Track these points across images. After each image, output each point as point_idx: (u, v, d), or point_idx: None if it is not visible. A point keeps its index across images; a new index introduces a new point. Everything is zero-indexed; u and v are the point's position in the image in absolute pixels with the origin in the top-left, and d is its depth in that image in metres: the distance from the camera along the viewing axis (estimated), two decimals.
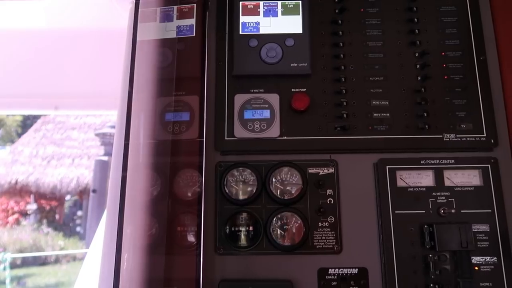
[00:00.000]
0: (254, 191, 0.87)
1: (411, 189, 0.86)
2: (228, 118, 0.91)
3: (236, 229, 0.86)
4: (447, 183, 0.86)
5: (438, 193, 0.86)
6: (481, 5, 0.95)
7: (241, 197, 0.87)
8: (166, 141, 0.89)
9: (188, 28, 0.98)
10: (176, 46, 0.97)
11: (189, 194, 0.89)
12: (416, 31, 0.94)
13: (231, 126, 0.91)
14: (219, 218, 0.86)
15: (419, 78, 0.92)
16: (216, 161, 0.90)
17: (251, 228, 0.86)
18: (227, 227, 0.85)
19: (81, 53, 1.35)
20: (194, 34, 0.97)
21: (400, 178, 0.87)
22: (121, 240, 0.79)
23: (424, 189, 0.86)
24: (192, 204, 0.89)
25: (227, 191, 0.87)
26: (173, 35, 0.98)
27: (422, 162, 0.88)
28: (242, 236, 0.85)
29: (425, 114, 0.89)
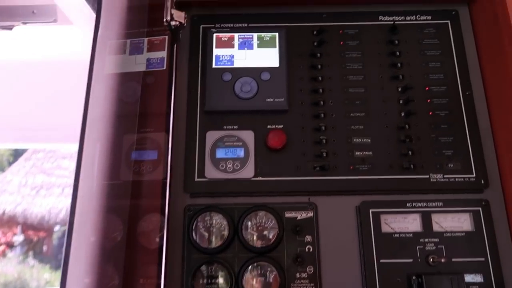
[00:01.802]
0: (226, 238, 0.79)
1: (397, 235, 0.79)
2: (199, 157, 0.85)
3: (205, 281, 0.77)
4: (436, 228, 0.79)
5: (426, 239, 0.78)
6: (465, 38, 0.91)
7: (211, 245, 0.79)
8: (130, 182, 0.82)
9: (158, 61, 0.92)
10: (145, 79, 0.91)
11: (155, 242, 0.81)
12: (399, 64, 0.89)
13: (201, 165, 0.84)
14: (186, 269, 0.78)
15: (402, 114, 0.86)
16: (185, 204, 0.82)
17: (221, 281, 0.77)
18: (195, 278, 0.77)
19: (50, 85, 1.30)
20: (164, 67, 0.91)
21: (385, 222, 0.80)
22: None
23: (411, 235, 0.79)
24: (157, 253, 0.80)
25: (195, 238, 0.79)
26: (142, 68, 0.92)
27: (408, 205, 0.81)
28: None
29: (410, 152, 0.83)
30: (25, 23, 1.31)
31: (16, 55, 1.42)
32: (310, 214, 0.81)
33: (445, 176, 0.82)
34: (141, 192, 0.83)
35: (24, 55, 1.48)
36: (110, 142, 0.85)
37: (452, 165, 0.82)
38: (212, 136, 0.86)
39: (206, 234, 0.80)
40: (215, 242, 0.79)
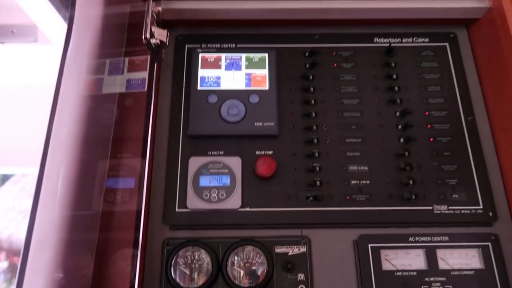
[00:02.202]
0: (209, 275, 0.70)
1: (399, 273, 0.71)
2: (180, 185, 0.77)
3: None
4: (442, 265, 0.71)
5: (432, 278, 0.70)
6: (464, 61, 0.86)
7: (192, 284, 0.70)
8: (99, 213, 0.73)
9: (139, 82, 0.86)
10: (124, 101, 0.84)
11: (128, 282, 0.72)
12: (396, 88, 0.84)
13: (183, 195, 0.76)
14: None
15: (401, 140, 0.80)
16: (164, 237, 0.74)
17: None
18: None
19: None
20: (145, 89, 0.85)
21: (386, 258, 0.72)
22: None
23: (415, 273, 0.71)
24: None
25: (174, 276, 0.70)
26: (122, 89, 0.86)
27: (410, 239, 0.73)
28: None
29: (411, 181, 0.76)
30: (3, 43, 1.24)
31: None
32: (303, 249, 0.73)
33: (449, 207, 0.75)
34: (114, 224, 0.74)
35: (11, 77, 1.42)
36: (80, 168, 0.77)
37: (457, 196, 0.76)
38: (195, 162, 0.78)
39: (187, 272, 0.71)
40: (197, 281, 0.70)
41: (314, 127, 0.81)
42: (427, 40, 0.88)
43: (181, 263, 0.71)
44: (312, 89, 0.84)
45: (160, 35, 0.77)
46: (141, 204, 0.70)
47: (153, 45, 0.77)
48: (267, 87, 0.83)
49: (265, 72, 0.84)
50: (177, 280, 0.70)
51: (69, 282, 0.70)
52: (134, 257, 0.70)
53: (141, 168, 0.75)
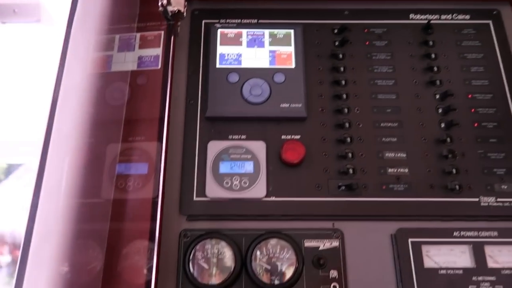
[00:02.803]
0: (231, 272, 0.63)
1: (443, 271, 0.64)
2: (198, 171, 0.70)
3: None
4: (491, 263, 0.64)
5: (480, 278, 0.63)
6: (510, 40, 0.79)
7: (212, 280, 0.63)
8: (111, 201, 0.66)
9: (152, 60, 0.78)
10: (135, 80, 0.77)
11: (142, 276, 0.65)
12: (435, 68, 0.76)
13: (202, 182, 0.69)
14: None
15: (442, 125, 0.72)
16: (181, 228, 0.66)
17: None
18: None
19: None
20: (159, 67, 0.77)
21: (427, 255, 0.65)
22: None
23: (461, 271, 0.64)
24: None
25: (192, 271, 0.63)
26: (133, 67, 0.78)
27: (455, 234, 0.66)
28: None
29: (454, 170, 0.69)
30: (4, 23, 1.17)
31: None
32: (335, 243, 0.66)
33: (498, 199, 0.68)
34: (126, 214, 0.67)
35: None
36: (89, 152, 0.69)
37: (505, 187, 0.68)
38: (214, 147, 0.71)
39: (206, 267, 0.63)
40: (218, 277, 0.63)
41: (346, 110, 0.73)
42: (468, 17, 0.80)
43: (200, 257, 0.64)
44: (342, 68, 0.76)
45: (178, 3, 0.69)
46: (158, 192, 0.63)
47: (169, 13, 0.69)
48: (293, 66, 0.75)
49: (290, 49, 0.77)
50: (195, 275, 0.63)
51: (76, 276, 0.63)
52: (149, 250, 0.63)
53: (157, 152, 0.68)
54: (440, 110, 0.73)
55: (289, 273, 0.63)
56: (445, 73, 0.76)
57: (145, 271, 0.65)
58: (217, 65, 0.76)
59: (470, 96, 0.74)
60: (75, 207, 0.56)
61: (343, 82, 0.75)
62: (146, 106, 0.75)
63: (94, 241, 0.65)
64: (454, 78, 0.76)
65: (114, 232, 0.65)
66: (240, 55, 0.77)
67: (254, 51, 0.77)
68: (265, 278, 0.63)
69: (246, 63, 0.76)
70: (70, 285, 0.62)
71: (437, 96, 0.74)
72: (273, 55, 0.77)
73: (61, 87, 0.65)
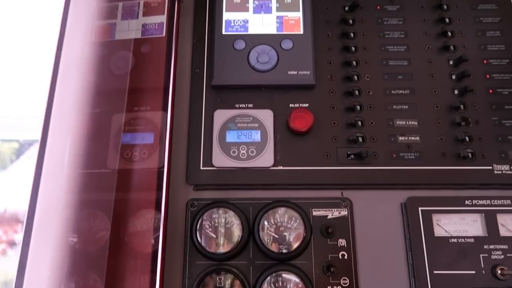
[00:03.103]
0: (239, 240, 0.62)
1: (454, 240, 0.63)
2: (205, 141, 0.69)
3: None
4: (503, 232, 0.63)
5: (492, 246, 0.62)
6: None
7: (220, 249, 0.63)
8: (116, 171, 0.65)
9: (156, 27, 0.76)
10: (140, 48, 0.75)
11: (149, 245, 0.64)
12: (449, 33, 0.73)
13: (208, 151, 0.68)
14: (187, 280, 0.61)
15: (456, 92, 0.70)
16: (187, 198, 0.66)
17: None
18: None
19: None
20: (164, 34, 0.75)
21: (438, 224, 0.64)
22: None
23: (472, 239, 0.63)
24: (151, 259, 0.64)
25: (200, 240, 0.62)
26: (137, 35, 0.76)
27: (467, 202, 0.64)
28: None
29: (467, 138, 0.67)
30: None
31: None
32: (344, 212, 0.65)
33: None
34: (132, 183, 0.66)
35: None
36: (94, 123, 0.69)
37: None
38: (221, 115, 0.70)
39: (213, 236, 0.63)
40: (225, 246, 0.63)
41: (355, 77, 0.71)
42: None
43: (207, 227, 0.63)
44: (352, 34, 0.74)
45: None
46: (164, 161, 0.62)
47: None
48: (301, 32, 0.73)
49: (298, 14, 0.74)
50: (203, 244, 0.63)
51: (84, 245, 0.63)
52: (156, 220, 0.63)
53: (162, 122, 0.66)
54: (453, 77, 0.71)
55: (297, 242, 0.62)
56: (459, 38, 0.73)
57: (152, 240, 0.65)
58: (223, 32, 0.74)
59: (485, 61, 0.72)
60: (80, 177, 0.56)
61: (353, 49, 0.73)
62: (151, 75, 0.73)
63: (100, 211, 0.65)
64: (469, 43, 0.73)
65: (121, 202, 0.64)
66: (246, 21, 0.74)
67: (261, 17, 0.75)
68: (273, 247, 0.62)
69: (252, 30, 0.74)
70: (77, 255, 0.62)
71: (451, 62, 0.72)
72: (280, 21, 0.74)
73: (61, 57, 0.64)
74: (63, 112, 0.59)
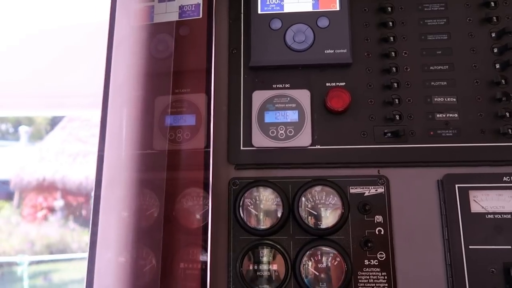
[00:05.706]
0: (279, 217, 0.66)
1: (491, 216, 0.64)
2: (244, 122, 0.71)
3: (255, 267, 0.65)
4: None
5: None
6: None
7: (261, 225, 0.67)
8: (166, 152, 0.70)
9: (193, 9, 0.77)
10: (178, 31, 0.77)
11: (196, 221, 0.70)
12: (492, 4, 0.71)
13: (248, 132, 0.70)
14: (232, 253, 0.66)
15: (497, 66, 0.69)
16: (230, 177, 0.70)
17: (274, 267, 0.65)
18: (244, 264, 0.65)
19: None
20: (201, 16, 0.77)
21: (474, 200, 0.65)
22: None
23: (509, 215, 0.64)
24: (199, 233, 0.69)
25: (243, 217, 0.67)
26: (174, 17, 0.78)
27: (505, 179, 0.65)
28: (264, 278, 0.65)
29: (508, 114, 0.66)
30: None
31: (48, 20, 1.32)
32: (381, 189, 0.67)
33: None
34: (179, 163, 0.71)
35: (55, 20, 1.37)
36: (140, 105, 0.72)
37: None
38: (259, 96, 0.72)
39: (255, 213, 0.67)
40: (267, 222, 0.67)
41: (393, 54, 0.71)
42: None
43: (249, 204, 0.67)
44: (389, 9, 0.73)
45: None
46: (209, 142, 0.65)
47: None
48: (337, 8, 0.72)
49: None
50: (246, 220, 0.67)
51: (136, 221, 0.68)
52: (203, 198, 0.67)
53: (205, 103, 0.69)
54: (495, 50, 0.69)
55: (335, 218, 0.65)
56: (502, 8, 0.71)
57: (198, 216, 0.70)
58: (259, 11, 0.74)
59: None
60: (134, 157, 0.60)
61: (390, 24, 0.72)
62: (190, 58, 0.76)
63: (151, 189, 0.70)
64: None
65: (169, 181, 0.69)
66: (282, 0, 0.74)
67: None
68: (312, 223, 0.66)
69: (288, 8, 0.74)
70: (131, 229, 0.68)
71: (493, 35, 0.70)
72: None
73: (113, 40, 0.67)
74: (117, 92, 0.64)
